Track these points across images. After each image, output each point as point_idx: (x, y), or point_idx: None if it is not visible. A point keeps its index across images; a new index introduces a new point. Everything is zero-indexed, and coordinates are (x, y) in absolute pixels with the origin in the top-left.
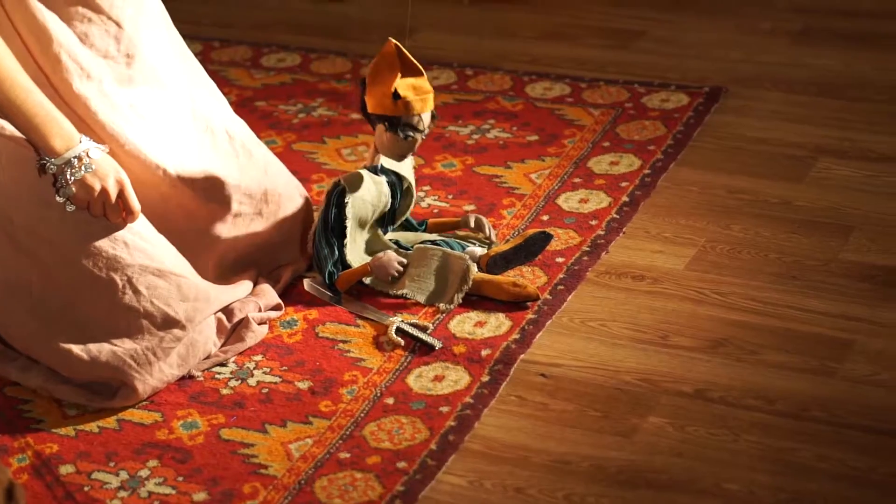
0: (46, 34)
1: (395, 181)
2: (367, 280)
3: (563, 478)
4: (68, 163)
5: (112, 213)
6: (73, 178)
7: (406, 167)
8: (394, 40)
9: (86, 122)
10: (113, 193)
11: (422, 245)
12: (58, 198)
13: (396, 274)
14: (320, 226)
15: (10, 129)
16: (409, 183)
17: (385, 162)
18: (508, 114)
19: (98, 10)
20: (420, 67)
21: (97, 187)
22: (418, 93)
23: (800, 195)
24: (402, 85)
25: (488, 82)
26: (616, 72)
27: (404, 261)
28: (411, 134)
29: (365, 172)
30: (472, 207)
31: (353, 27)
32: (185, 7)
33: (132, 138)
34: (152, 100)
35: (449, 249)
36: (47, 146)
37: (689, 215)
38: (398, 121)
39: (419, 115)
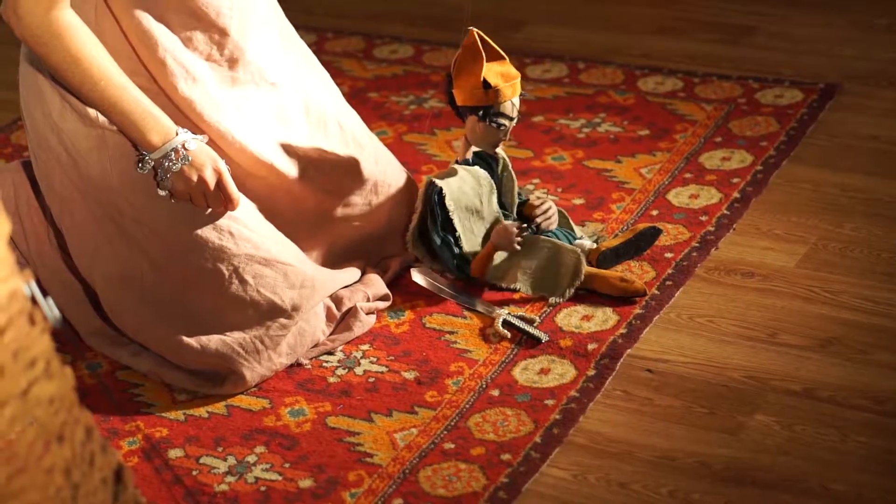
0: (152, 39)
1: (487, 166)
2: (496, 260)
3: (667, 474)
4: (166, 156)
5: (213, 202)
6: (171, 170)
7: (497, 153)
8: (475, 30)
9: (193, 122)
10: (211, 182)
11: (532, 236)
12: (159, 191)
13: (520, 239)
14: (429, 224)
15: None
16: (502, 159)
17: (476, 148)
18: (620, 108)
19: (204, 18)
20: (502, 52)
21: (194, 178)
22: (506, 79)
23: None
24: (491, 73)
25: (600, 76)
26: (729, 67)
27: (521, 224)
28: (503, 122)
29: (456, 167)
30: (581, 201)
31: (464, 18)
32: None
33: (239, 137)
34: (259, 99)
35: (560, 243)
36: (144, 141)
37: (801, 213)
38: (489, 110)
39: (511, 102)
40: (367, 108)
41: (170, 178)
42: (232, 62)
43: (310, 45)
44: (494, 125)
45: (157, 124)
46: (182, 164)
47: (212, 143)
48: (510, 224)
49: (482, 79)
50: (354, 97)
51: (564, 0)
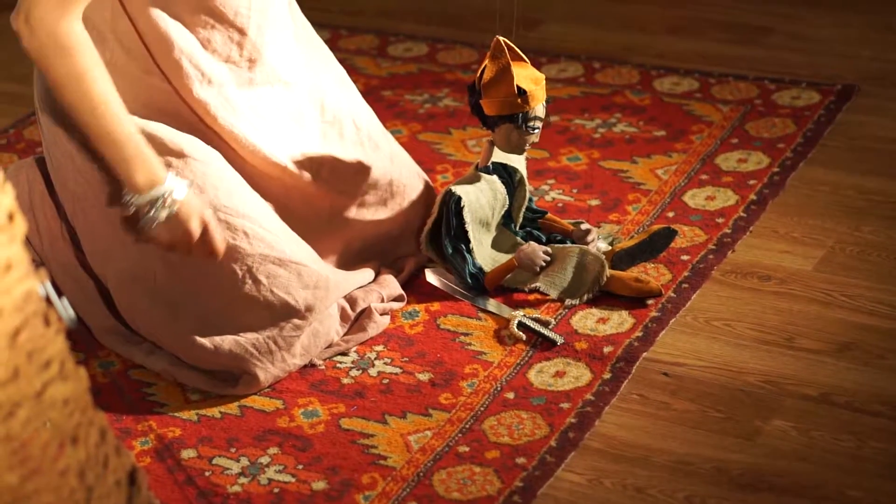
0: (168, 41)
1: (506, 177)
2: (508, 275)
3: (684, 479)
4: (151, 203)
5: (197, 253)
6: (156, 219)
7: (519, 159)
8: (500, 37)
9: (206, 124)
10: (196, 234)
11: (560, 246)
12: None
13: (544, 264)
14: (443, 232)
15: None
16: (521, 175)
17: (496, 157)
18: (636, 108)
19: (222, 18)
20: (523, 55)
21: (180, 230)
22: (536, 82)
23: None
24: (522, 79)
25: (616, 76)
26: (745, 67)
27: (549, 250)
28: (537, 125)
29: (477, 174)
30: (596, 202)
31: (478, 17)
32: None
33: (252, 139)
34: (274, 99)
35: (586, 248)
36: (130, 180)
37: (819, 215)
38: (525, 116)
39: (541, 104)
40: (381, 106)
41: (154, 227)
42: (251, 62)
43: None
44: (530, 130)
45: (147, 165)
46: (167, 214)
47: (225, 144)
48: (537, 248)
49: (516, 86)
50: (368, 95)
51: None
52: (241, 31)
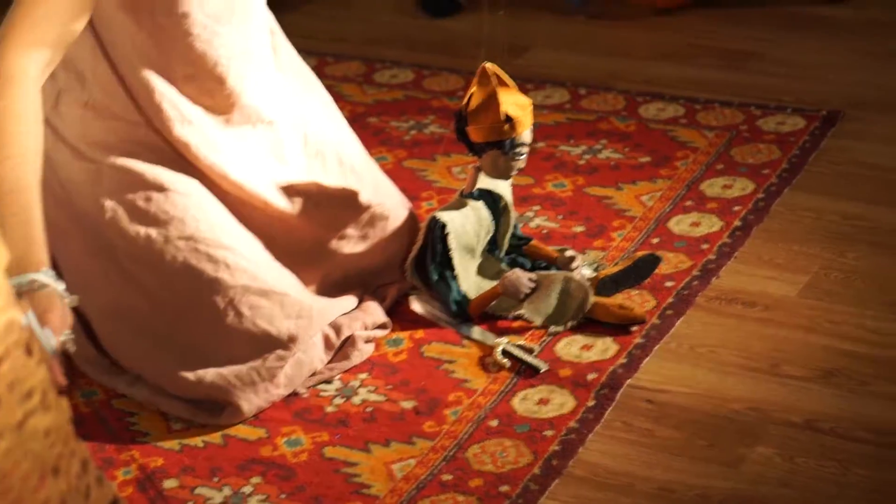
0: (148, 86)
1: (492, 203)
2: (493, 302)
3: None
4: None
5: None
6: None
7: (504, 186)
8: (487, 63)
9: (189, 162)
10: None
11: (545, 273)
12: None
13: (528, 291)
14: (428, 258)
15: (111, 157)
16: (505, 201)
17: (481, 183)
18: (621, 134)
19: (202, 68)
20: (509, 81)
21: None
22: (523, 108)
23: None
24: (509, 105)
25: (601, 102)
26: (731, 93)
27: (534, 277)
28: (524, 151)
29: (463, 201)
30: (581, 229)
31: (465, 44)
32: (300, 21)
33: (235, 177)
34: (255, 138)
35: (571, 274)
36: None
37: (803, 241)
38: (512, 142)
39: (528, 129)
40: (366, 133)
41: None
42: (227, 108)
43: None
44: (517, 156)
45: (24, 245)
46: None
47: (209, 181)
48: (522, 275)
49: (503, 113)
50: (354, 122)
51: (566, 25)
52: (220, 80)
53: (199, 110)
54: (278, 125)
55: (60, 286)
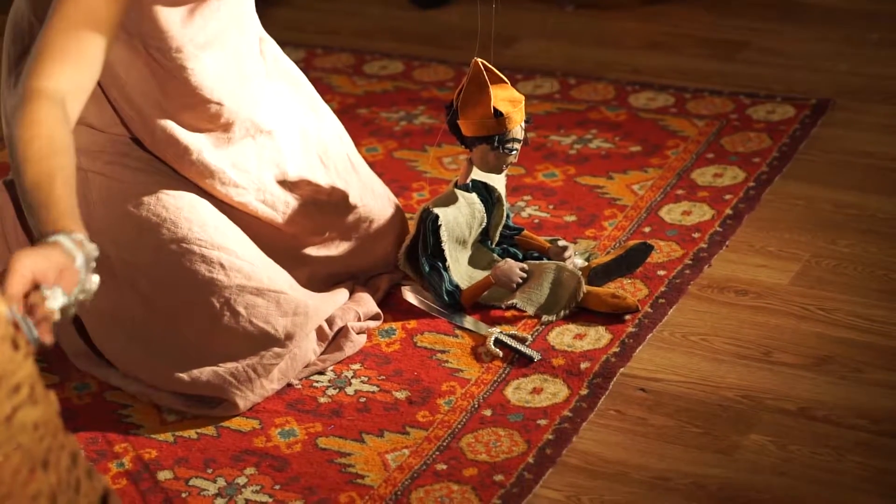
0: (143, 113)
1: (485, 194)
2: (485, 292)
3: (662, 495)
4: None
5: None
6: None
7: (499, 178)
8: (478, 59)
9: (196, 184)
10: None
11: (537, 262)
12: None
13: (520, 281)
14: (420, 250)
15: (98, 164)
16: (499, 193)
17: (475, 175)
18: (611, 124)
19: (198, 98)
20: (503, 77)
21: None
22: (514, 104)
23: None
24: (499, 101)
25: (591, 92)
26: (721, 82)
27: (526, 267)
28: (515, 147)
29: (456, 192)
30: (573, 218)
31: (454, 35)
32: (288, 14)
33: (238, 198)
34: (250, 151)
35: (563, 264)
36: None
37: (794, 229)
38: (501, 137)
39: (519, 125)
40: (356, 124)
41: None
42: (228, 125)
43: (299, 62)
44: (507, 151)
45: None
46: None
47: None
48: (514, 265)
49: (492, 108)
50: (344, 114)
51: (556, 16)
52: (218, 104)
53: (197, 137)
54: (276, 133)
55: (80, 257)
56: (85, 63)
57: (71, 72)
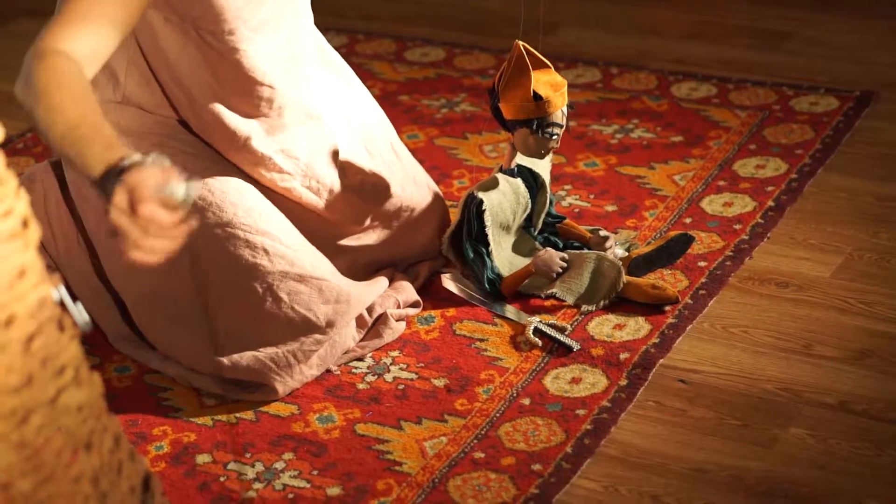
0: (192, 97)
1: (530, 180)
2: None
3: (700, 486)
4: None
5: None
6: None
7: (543, 164)
8: (520, 42)
9: (245, 172)
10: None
11: (577, 252)
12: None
13: (560, 270)
14: (464, 234)
15: (145, 145)
16: (543, 180)
17: (520, 160)
18: (653, 113)
19: (252, 82)
20: (546, 61)
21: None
22: (556, 88)
23: None
24: (539, 84)
25: (633, 81)
26: (763, 73)
27: (566, 256)
28: (556, 131)
29: (501, 177)
30: (613, 208)
31: (495, 22)
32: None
33: (283, 184)
34: (302, 137)
35: (603, 254)
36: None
37: (837, 222)
38: (542, 121)
39: (560, 110)
40: (397, 111)
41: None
42: (280, 110)
43: (340, 48)
44: (547, 136)
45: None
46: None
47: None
48: (554, 254)
49: (532, 91)
50: (385, 100)
51: (597, 4)
52: (271, 87)
53: (249, 123)
54: (325, 119)
55: (165, 160)
56: (104, 31)
57: (88, 38)
